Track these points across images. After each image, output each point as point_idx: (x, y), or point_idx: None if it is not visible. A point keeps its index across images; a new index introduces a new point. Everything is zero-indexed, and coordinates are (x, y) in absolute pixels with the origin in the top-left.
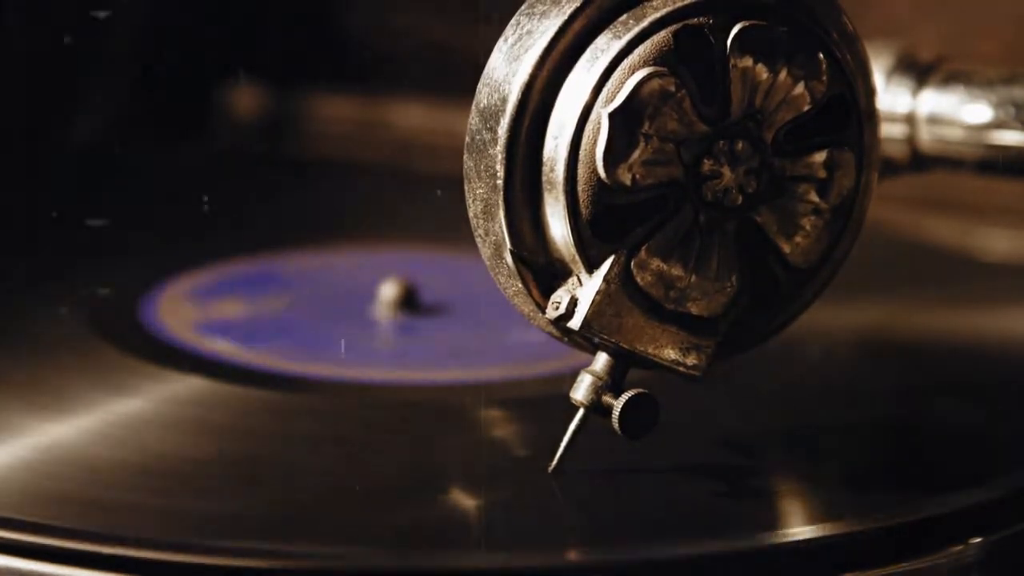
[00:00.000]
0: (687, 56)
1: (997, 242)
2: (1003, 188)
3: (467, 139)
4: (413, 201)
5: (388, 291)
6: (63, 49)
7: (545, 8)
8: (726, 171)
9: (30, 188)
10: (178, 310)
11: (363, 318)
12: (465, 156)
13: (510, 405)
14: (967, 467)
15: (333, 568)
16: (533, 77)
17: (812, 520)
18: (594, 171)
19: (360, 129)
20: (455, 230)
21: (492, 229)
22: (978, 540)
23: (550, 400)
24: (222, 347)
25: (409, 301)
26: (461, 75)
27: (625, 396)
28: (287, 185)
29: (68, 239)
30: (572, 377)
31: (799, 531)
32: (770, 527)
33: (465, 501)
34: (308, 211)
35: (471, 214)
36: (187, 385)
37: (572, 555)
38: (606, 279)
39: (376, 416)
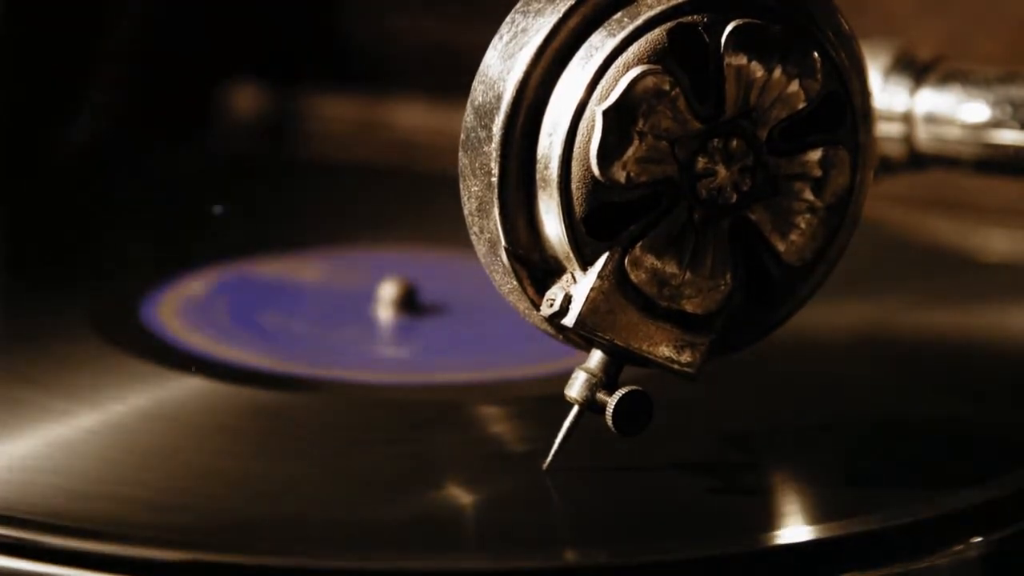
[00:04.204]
0: (681, 54)
1: (997, 242)
2: (1003, 188)
3: (462, 136)
4: (413, 201)
5: (388, 291)
6: (63, 48)
7: (540, 6)
8: (720, 169)
9: (29, 188)
10: (178, 310)
11: (363, 318)
12: (460, 153)
13: (507, 404)
14: (967, 467)
15: (331, 568)
16: (528, 75)
17: (812, 520)
18: (588, 169)
19: (361, 129)
20: (455, 230)
21: (487, 227)
22: (978, 540)
23: (546, 398)
24: (221, 347)
25: (409, 301)
26: (462, 75)
27: (619, 393)
28: (287, 185)
29: (68, 239)
30: (568, 375)
31: (798, 531)
32: (769, 527)
33: (460, 500)
34: (308, 211)
35: (466, 211)
36: (187, 385)
37: (567, 555)
38: (600, 276)
39: (375, 416)
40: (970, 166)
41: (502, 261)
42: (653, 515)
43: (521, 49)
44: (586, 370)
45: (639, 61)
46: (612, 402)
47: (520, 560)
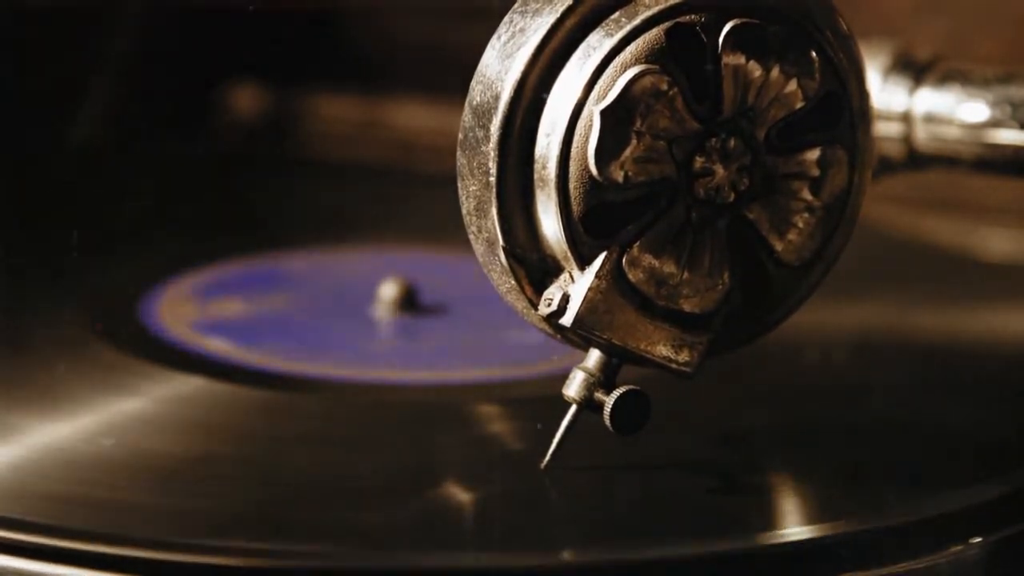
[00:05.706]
0: (679, 54)
1: (997, 242)
2: (1003, 188)
3: (460, 136)
4: (413, 201)
5: (388, 291)
6: (62, 48)
7: (538, 6)
8: (718, 168)
9: (30, 188)
10: (178, 310)
11: (363, 318)
12: (458, 153)
13: (506, 403)
14: (967, 467)
15: (329, 567)
16: (526, 75)
17: (811, 520)
18: (586, 168)
19: (360, 129)
20: (455, 230)
21: (485, 226)
22: (978, 540)
23: (544, 398)
24: (222, 347)
25: (409, 301)
26: (461, 75)
27: (617, 393)
28: (287, 185)
29: (68, 239)
30: (566, 375)
31: (798, 531)
32: (769, 527)
33: (459, 499)
34: (308, 211)
35: (464, 211)
36: (187, 385)
37: (566, 554)
38: (598, 276)
39: (375, 416)
40: (969, 166)
41: (500, 261)
42: (651, 514)
43: (519, 49)
44: (584, 369)
45: (637, 61)
46: (610, 401)
47: (519, 559)
